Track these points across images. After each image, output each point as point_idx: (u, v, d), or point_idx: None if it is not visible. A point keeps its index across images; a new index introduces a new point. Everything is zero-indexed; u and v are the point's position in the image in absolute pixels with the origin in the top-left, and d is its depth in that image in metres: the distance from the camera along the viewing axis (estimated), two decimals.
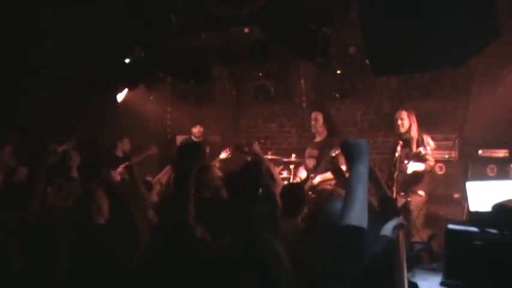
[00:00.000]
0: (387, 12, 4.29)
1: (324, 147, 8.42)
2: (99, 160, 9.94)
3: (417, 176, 7.93)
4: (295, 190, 5.94)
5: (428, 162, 7.87)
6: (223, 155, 10.38)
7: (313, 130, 8.81)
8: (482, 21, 4.23)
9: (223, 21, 8.31)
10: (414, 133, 8.04)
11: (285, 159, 9.60)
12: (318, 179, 8.29)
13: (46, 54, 8.53)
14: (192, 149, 3.52)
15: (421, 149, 7.84)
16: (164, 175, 8.44)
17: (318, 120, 8.68)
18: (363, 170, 3.00)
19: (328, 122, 8.69)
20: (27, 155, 9.40)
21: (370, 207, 5.29)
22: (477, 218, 3.34)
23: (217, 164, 10.10)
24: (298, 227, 5.25)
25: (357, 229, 2.94)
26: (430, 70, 7.53)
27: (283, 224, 5.10)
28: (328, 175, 8.17)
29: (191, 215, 3.30)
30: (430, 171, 7.99)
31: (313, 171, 8.46)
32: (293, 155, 9.50)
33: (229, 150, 10.33)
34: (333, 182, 7.84)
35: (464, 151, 9.36)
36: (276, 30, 6.99)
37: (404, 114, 8.17)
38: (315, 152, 8.59)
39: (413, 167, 7.87)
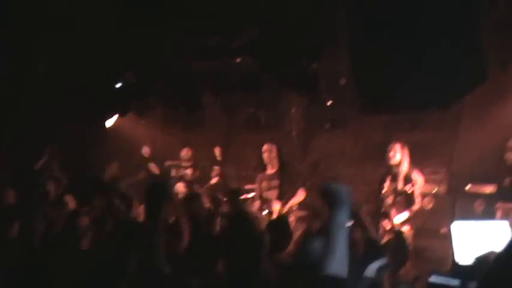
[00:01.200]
0: (377, 55, 4.29)
1: (283, 179, 8.37)
2: (87, 184, 9.89)
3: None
4: (280, 225, 5.90)
5: (412, 207, 7.77)
6: (213, 181, 10.39)
7: (265, 162, 8.62)
8: (471, 65, 4.24)
9: (215, 51, 8.32)
10: (404, 168, 7.95)
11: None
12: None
13: (39, 78, 8.52)
14: (160, 189, 3.55)
15: (405, 185, 7.75)
16: None
17: (271, 151, 8.57)
18: (343, 218, 2.99)
19: (280, 153, 8.64)
20: (14, 175, 9.41)
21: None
22: (460, 270, 3.32)
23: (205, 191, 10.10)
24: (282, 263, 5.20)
25: (337, 279, 2.93)
26: (418, 112, 7.53)
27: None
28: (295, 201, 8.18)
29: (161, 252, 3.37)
30: (411, 217, 7.88)
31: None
32: None
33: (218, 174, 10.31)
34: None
35: (453, 185, 9.33)
36: (266, 63, 6.99)
37: (397, 146, 8.07)
38: (275, 182, 8.50)
39: (399, 218, 7.77)
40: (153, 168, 11.35)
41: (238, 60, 8.77)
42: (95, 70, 8.71)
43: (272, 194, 8.49)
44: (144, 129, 12.02)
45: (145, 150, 11.47)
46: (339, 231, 2.99)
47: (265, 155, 8.57)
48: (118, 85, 9.20)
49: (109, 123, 10.18)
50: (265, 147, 8.62)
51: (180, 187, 10.56)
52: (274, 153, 8.55)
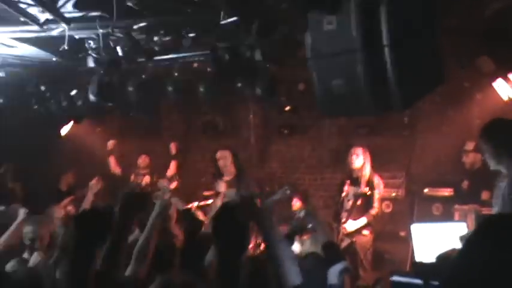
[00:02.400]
0: (336, 56, 4.29)
1: (240, 186, 8.24)
2: (43, 193, 9.74)
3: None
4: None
5: (371, 212, 7.81)
6: (173, 185, 10.27)
7: (221, 170, 8.45)
8: (429, 68, 4.27)
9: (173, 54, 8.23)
10: (366, 172, 7.98)
11: None
12: None
13: None
14: (138, 200, 3.52)
15: (366, 189, 7.79)
16: None
17: (226, 158, 8.38)
18: (276, 231, 3.00)
19: (236, 160, 8.47)
20: None
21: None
22: (421, 269, 3.32)
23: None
24: None
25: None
26: (377, 113, 7.55)
27: None
28: None
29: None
30: (371, 222, 7.91)
31: None
32: None
33: (178, 179, 10.23)
34: None
35: (411, 189, 9.41)
36: (224, 68, 6.94)
37: (359, 150, 8.09)
38: (232, 190, 8.42)
39: (352, 225, 7.80)
40: (113, 162, 11.10)
41: (195, 65, 8.69)
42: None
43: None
44: (100, 136, 11.85)
45: (110, 144, 11.16)
46: (280, 244, 3.01)
47: (220, 162, 8.42)
48: (73, 92, 9.05)
49: (64, 130, 10.02)
50: (218, 154, 8.43)
51: None
52: (229, 160, 8.37)
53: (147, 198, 3.77)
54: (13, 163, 9.99)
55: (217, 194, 8.35)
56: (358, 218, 7.78)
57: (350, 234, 7.75)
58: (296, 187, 9.77)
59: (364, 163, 7.99)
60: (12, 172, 10.10)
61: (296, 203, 9.71)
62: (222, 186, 8.19)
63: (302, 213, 6.00)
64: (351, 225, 7.72)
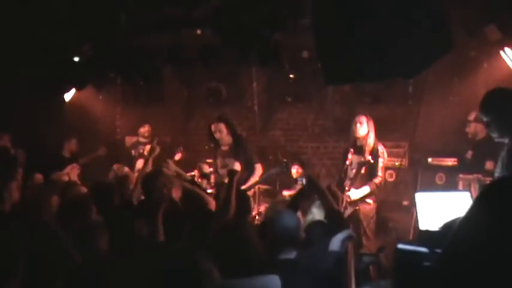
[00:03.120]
0: (340, 22, 4.23)
1: (238, 156, 8.22)
2: (46, 160, 9.74)
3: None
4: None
5: (374, 180, 7.78)
6: (177, 157, 10.28)
7: (219, 142, 8.42)
8: (435, 34, 4.21)
9: (174, 23, 8.17)
10: (370, 141, 7.93)
11: None
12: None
13: None
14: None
15: (369, 157, 7.74)
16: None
17: (222, 131, 8.31)
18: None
19: (231, 129, 8.39)
20: None
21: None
22: (426, 237, 3.30)
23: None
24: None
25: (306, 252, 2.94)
26: (382, 81, 7.51)
27: None
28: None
29: None
30: (374, 191, 7.88)
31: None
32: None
33: (182, 151, 10.22)
34: None
35: (414, 158, 9.39)
36: (227, 34, 6.88)
37: (363, 119, 8.00)
38: (231, 161, 8.40)
39: (355, 194, 7.77)
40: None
41: (198, 32, 8.63)
42: (51, 43, 8.51)
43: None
44: (102, 103, 11.83)
45: (146, 129, 11.12)
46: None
47: (216, 135, 8.40)
48: (75, 58, 9.01)
49: (67, 97, 9.98)
50: (213, 127, 8.39)
51: (140, 164, 10.45)
52: (224, 132, 8.32)
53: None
54: (15, 128, 9.97)
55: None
56: (361, 187, 7.76)
57: (353, 203, 7.74)
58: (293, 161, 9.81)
59: (368, 132, 7.94)
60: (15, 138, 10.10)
61: (298, 170, 9.72)
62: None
63: (304, 180, 5.99)
64: (354, 194, 7.70)
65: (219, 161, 8.51)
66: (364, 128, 7.94)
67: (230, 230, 3.74)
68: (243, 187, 7.89)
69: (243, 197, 5.95)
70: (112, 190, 6.15)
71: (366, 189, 7.75)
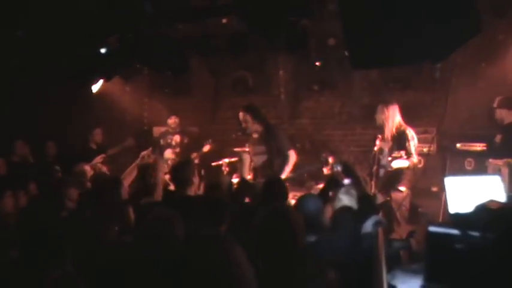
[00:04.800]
0: (368, 6, 4.22)
1: (268, 141, 8.30)
2: (74, 152, 9.85)
3: (398, 172, 7.80)
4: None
5: (411, 159, 7.73)
6: (205, 148, 10.37)
7: (248, 131, 8.47)
8: (463, 17, 4.18)
9: (201, 12, 8.20)
10: (394, 128, 7.89)
11: None
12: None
13: (19, 44, 8.37)
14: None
15: (402, 152, 7.70)
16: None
17: (247, 121, 8.37)
18: None
19: (257, 116, 8.43)
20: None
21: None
22: (458, 219, 3.29)
23: (197, 157, 10.13)
24: None
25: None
26: (410, 64, 7.45)
27: None
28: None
29: None
30: (412, 168, 7.85)
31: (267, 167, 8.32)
32: None
33: (210, 143, 10.32)
34: None
35: (443, 144, 9.33)
36: (254, 21, 6.89)
37: (387, 107, 7.99)
38: (261, 148, 8.41)
39: (397, 163, 7.73)
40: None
41: (224, 21, 8.65)
42: (78, 35, 8.58)
43: (260, 159, 8.44)
44: (130, 94, 11.91)
45: (173, 120, 11.29)
46: None
47: (243, 125, 8.46)
48: (102, 50, 9.07)
49: (94, 89, 10.07)
50: (240, 115, 8.47)
51: (168, 153, 10.55)
52: (249, 122, 8.36)
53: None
54: (45, 121, 10.08)
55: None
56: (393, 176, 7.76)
57: (385, 191, 7.71)
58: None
59: (392, 119, 7.91)
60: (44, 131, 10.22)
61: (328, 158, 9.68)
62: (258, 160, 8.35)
63: (339, 167, 5.98)
64: (395, 163, 7.67)
65: (251, 149, 8.57)
66: (387, 117, 7.91)
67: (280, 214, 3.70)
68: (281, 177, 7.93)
69: (279, 184, 6.01)
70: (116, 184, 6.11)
71: (405, 162, 7.69)
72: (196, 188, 6.35)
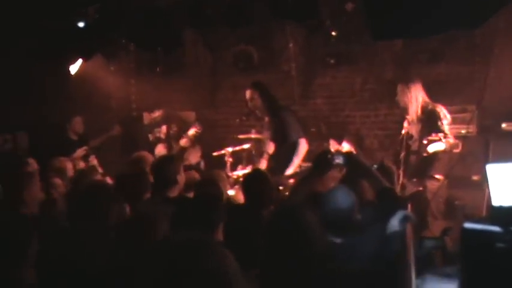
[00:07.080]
0: None
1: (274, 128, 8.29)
2: (51, 144, 9.81)
3: (432, 157, 7.77)
4: None
5: (448, 140, 7.68)
6: (191, 132, 10.30)
7: (257, 112, 8.55)
8: None
9: None
10: (419, 109, 7.86)
11: None
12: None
13: None
14: None
15: (441, 135, 7.66)
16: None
17: (254, 99, 8.40)
18: None
19: (266, 96, 8.44)
20: None
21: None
22: (500, 214, 3.25)
23: (186, 141, 10.00)
24: None
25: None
26: (441, 32, 7.39)
27: None
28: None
29: None
30: (449, 151, 7.82)
31: None
32: None
33: (197, 125, 10.27)
34: None
35: (484, 125, 9.29)
36: None
37: (407, 86, 7.95)
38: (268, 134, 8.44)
39: (433, 147, 7.68)
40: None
41: None
42: (51, 6, 8.58)
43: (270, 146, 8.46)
44: (114, 76, 11.88)
45: (157, 114, 11.27)
46: None
47: (250, 104, 8.45)
48: (80, 23, 9.06)
49: (72, 69, 10.05)
50: (247, 94, 8.49)
51: (160, 149, 10.51)
52: (257, 101, 8.40)
53: None
54: (14, 108, 10.07)
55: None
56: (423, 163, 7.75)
57: (418, 181, 7.69)
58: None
59: (416, 99, 7.87)
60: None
61: (333, 146, 9.55)
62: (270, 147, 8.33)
63: (341, 158, 5.83)
64: (431, 147, 7.64)
65: (266, 134, 8.57)
66: (407, 97, 7.88)
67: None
68: (287, 173, 7.93)
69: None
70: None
71: (441, 145, 7.66)
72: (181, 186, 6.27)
